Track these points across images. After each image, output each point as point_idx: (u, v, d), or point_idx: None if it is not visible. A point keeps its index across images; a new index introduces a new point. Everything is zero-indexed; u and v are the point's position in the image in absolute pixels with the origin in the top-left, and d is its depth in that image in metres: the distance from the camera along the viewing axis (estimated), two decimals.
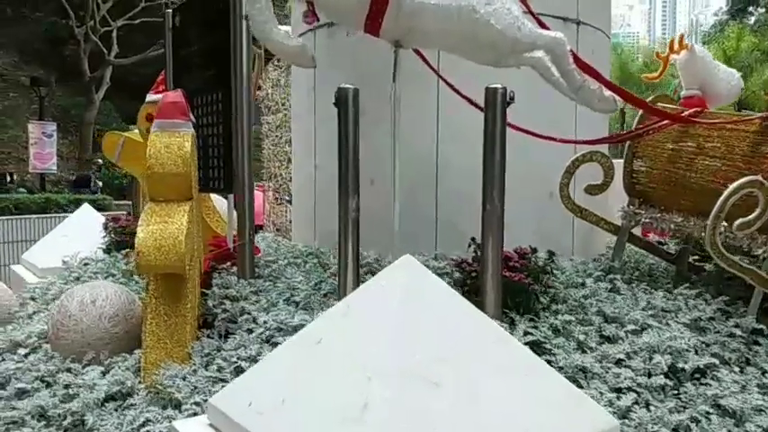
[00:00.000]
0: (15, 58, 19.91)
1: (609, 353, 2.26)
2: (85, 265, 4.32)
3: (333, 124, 3.74)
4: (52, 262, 4.53)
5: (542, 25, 2.51)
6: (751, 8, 30.50)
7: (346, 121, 2.40)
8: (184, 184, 2.58)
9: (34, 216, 7.61)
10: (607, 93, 2.59)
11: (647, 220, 3.29)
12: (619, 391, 2.05)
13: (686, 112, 3.05)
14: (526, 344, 2.11)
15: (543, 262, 2.59)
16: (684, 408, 2.03)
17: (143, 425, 2.00)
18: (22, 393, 2.53)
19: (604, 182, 3.36)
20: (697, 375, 2.23)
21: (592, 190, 3.35)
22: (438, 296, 1.69)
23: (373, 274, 3.13)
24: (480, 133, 3.31)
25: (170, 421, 1.95)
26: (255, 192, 3.34)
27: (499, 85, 2.28)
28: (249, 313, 2.64)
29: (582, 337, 2.33)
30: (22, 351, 2.93)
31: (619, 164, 3.44)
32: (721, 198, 2.45)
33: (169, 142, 2.57)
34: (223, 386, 2.11)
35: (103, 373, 2.48)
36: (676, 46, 5.10)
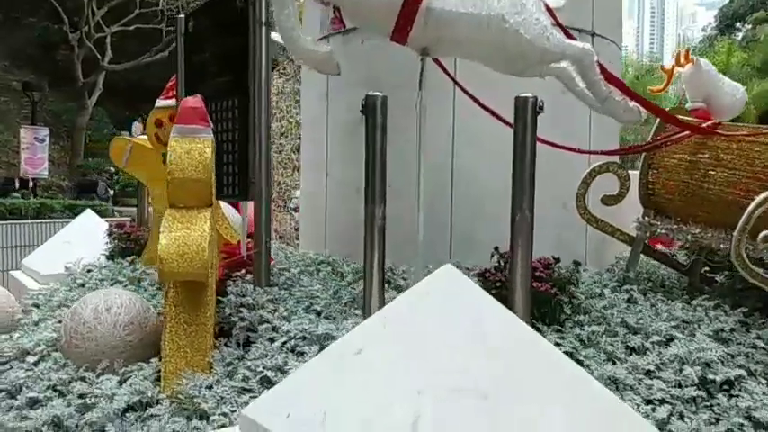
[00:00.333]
0: (6, 63, 19.74)
1: (638, 364, 2.24)
2: (89, 271, 4.25)
3: (346, 131, 3.78)
4: (54, 268, 4.46)
5: (569, 36, 2.51)
6: (738, 24, 31.01)
7: (374, 128, 2.38)
8: (205, 191, 2.55)
9: (30, 221, 7.50)
10: (631, 103, 2.59)
11: (663, 231, 3.29)
12: (652, 402, 2.03)
13: (705, 124, 3.06)
14: None
15: (569, 272, 2.58)
16: (718, 420, 2.01)
17: None
18: (34, 403, 2.47)
19: (620, 192, 3.36)
20: (726, 387, 2.22)
21: (608, 201, 3.34)
22: (480, 306, 1.66)
23: (389, 283, 3.11)
24: (496, 141, 3.33)
25: None
26: None
27: (529, 94, 2.27)
28: (268, 322, 2.60)
29: (610, 348, 2.32)
30: (30, 359, 2.86)
31: (634, 175, 3.44)
32: (747, 210, 2.46)
33: (190, 148, 2.54)
34: (251, 396, 2.07)
35: (120, 383, 2.43)
36: (682, 60, 5.16)
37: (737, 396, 2.14)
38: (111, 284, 3.73)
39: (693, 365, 2.23)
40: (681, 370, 2.20)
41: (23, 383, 2.61)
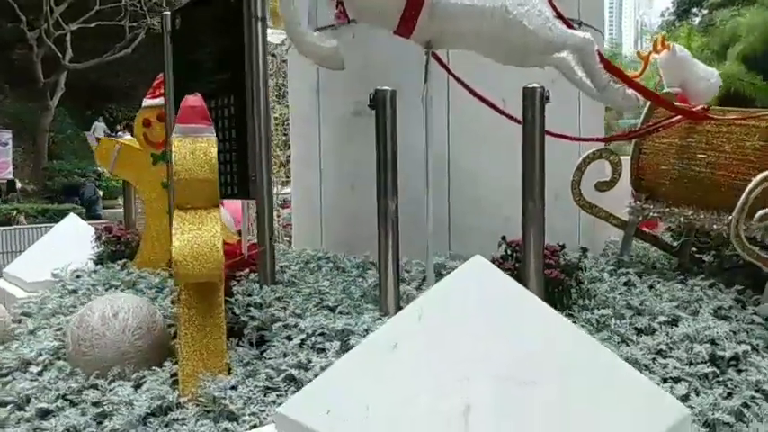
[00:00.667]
0: None
1: (650, 344, 2.31)
2: (78, 277, 4.15)
3: (339, 126, 3.77)
4: (40, 275, 4.34)
5: (568, 26, 2.56)
6: (695, 9, 31.79)
7: (384, 122, 2.39)
8: (212, 190, 2.52)
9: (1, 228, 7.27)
10: (629, 90, 2.65)
11: (655, 215, 3.39)
12: (669, 380, 2.10)
13: (698, 108, 3.15)
14: None
15: (577, 258, 2.63)
16: (730, 394, 2.09)
17: None
18: (45, 414, 2.41)
19: (613, 178, 3.44)
20: (733, 362, 2.31)
21: (601, 187, 3.42)
22: (512, 295, 1.70)
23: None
24: (491, 131, 3.38)
25: None
26: None
27: (537, 85, 2.31)
28: (280, 320, 2.59)
29: (621, 330, 2.38)
30: (34, 369, 2.80)
31: (625, 161, 3.53)
32: (745, 191, 2.55)
33: (194, 148, 2.50)
34: (278, 395, 2.07)
35: (135, 388, 2.40)
36: (659, 46, 5.28)
37: (746, 370, 2.23)
38: (107, 289, 3.65)
39: (702, 343, 2.32)
40: (691, 348, 2.28)
41: (31, 394, 2.55)
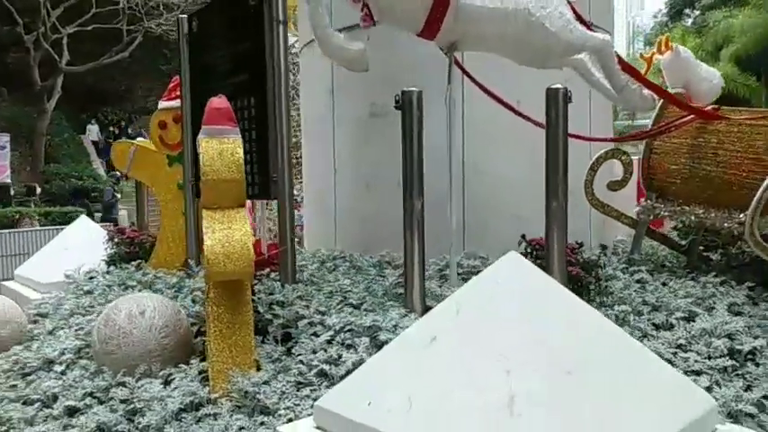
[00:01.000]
0: None
1: (669, 339, 2.37)
2: (91, 278, 4.17)
3: (355, 127, 3.81)
4: (53, 277, 4.37)
5: (587, 27, 2.61)
6: (687, 10, 32.01)
7: (411, 123, 2.43)
8: (238, 190, 2.56)
9: (7, 231, 7.26)
10: (645, 91, 2.71)
11: (666, 214, 3.45)
12: (690, 374, 2.16)
13: (710, 107, 3.22)
14: None
15: (597, 255, 2.69)
16: (750, 387, 2.15)
17: None
18: (73, 411, 2.44)
19: (624, 178, 3.51)
20: (750, 356, 2.37)
21: (613, 186, 3.48)
22: (547, 289, 1.75)
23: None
24: (504, 132, 3.44)
25: (266, 428, 1.94)
26: None
27: (559, 85, 2.36)
28: (305, 317, 2.63)
29: (641, 326, 2.44)
30: (57, 368, 2.83)
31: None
32: (761, 189, 2.61)
33: (221, 149, 2.55)
34: (311, 390, 2.11)
35: (164, 385, 2.43)
36: (663, 47, 5.35)
37: (764, 364, 2.29)
38: (123, 290, 3.68)
39: (720, 338, 2.37)
40: (710, 343, 2.34)
41: (58, 393, 2.58)
